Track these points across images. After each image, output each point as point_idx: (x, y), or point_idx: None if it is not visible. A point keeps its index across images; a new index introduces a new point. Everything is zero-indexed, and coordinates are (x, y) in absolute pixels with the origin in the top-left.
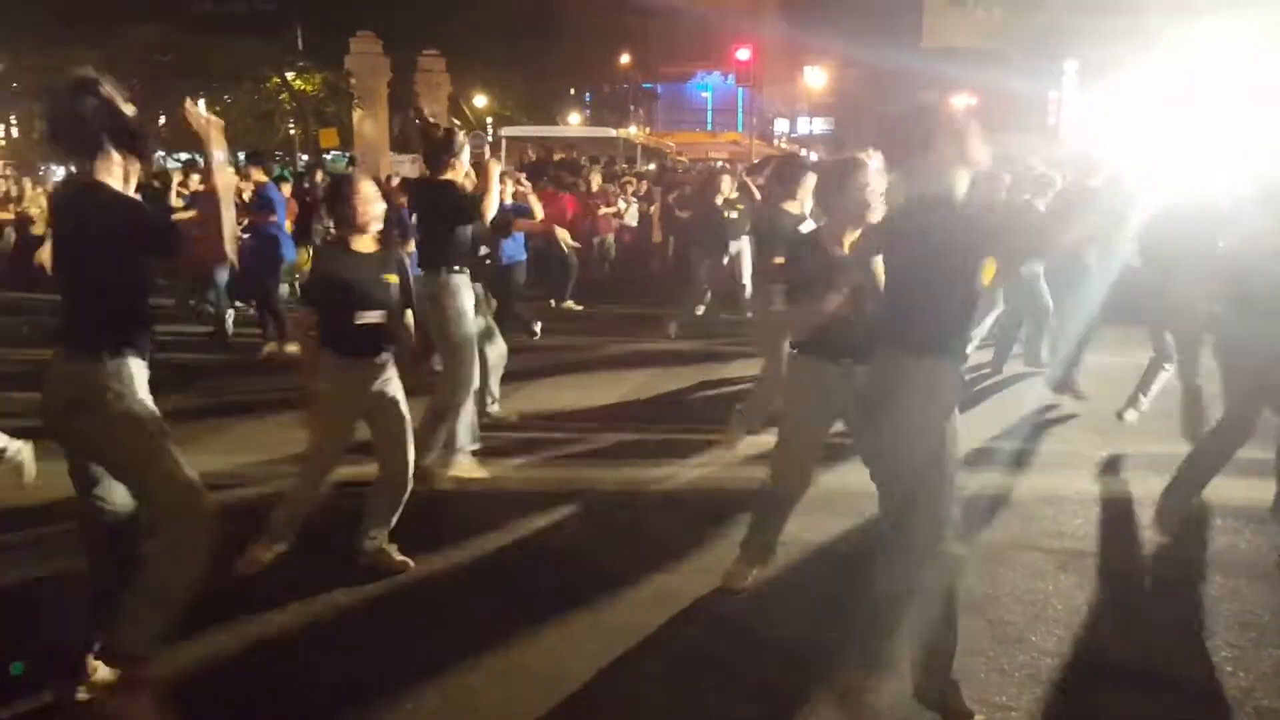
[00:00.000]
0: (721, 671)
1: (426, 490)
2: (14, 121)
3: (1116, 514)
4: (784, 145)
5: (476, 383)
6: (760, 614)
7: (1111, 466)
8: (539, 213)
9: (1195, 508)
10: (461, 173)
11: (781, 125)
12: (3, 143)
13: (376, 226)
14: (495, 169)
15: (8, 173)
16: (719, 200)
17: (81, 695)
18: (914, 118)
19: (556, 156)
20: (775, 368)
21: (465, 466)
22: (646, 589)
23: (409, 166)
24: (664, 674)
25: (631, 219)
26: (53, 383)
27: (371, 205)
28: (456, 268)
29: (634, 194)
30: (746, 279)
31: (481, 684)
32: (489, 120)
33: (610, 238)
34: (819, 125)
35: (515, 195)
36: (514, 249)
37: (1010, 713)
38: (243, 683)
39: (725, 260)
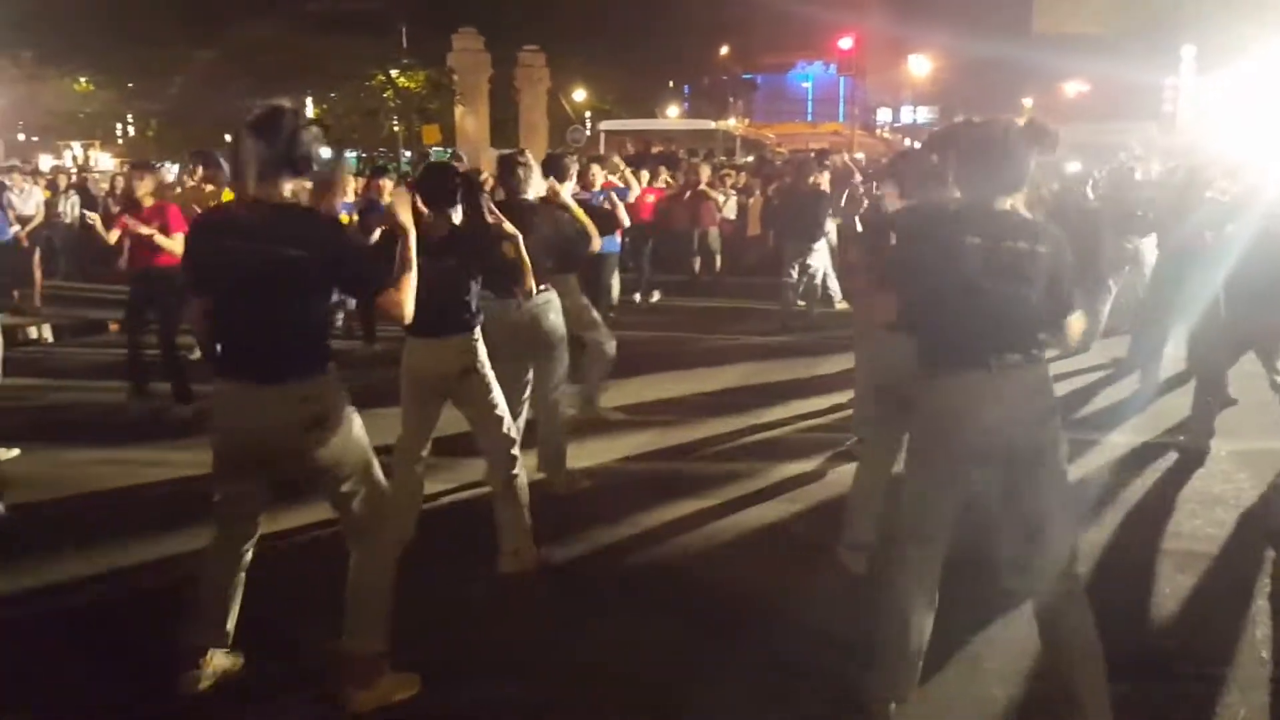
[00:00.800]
0: (799, 674)
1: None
2: (131, 120)
3: (1238, 514)
4: (886, 135)
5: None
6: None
7: (1232, 463)
8: (635, 188)
9: None
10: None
11: (884, 115)
12: (121, 141)
13: None
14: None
15: (125, 169)
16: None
17: (204, 684)
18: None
19: (655, 149)
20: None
21: None
22: (742, 586)
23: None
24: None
25: (730, 212)
26: (271, 410)
27: None
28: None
29: (733, 186)
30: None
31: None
32: (588, 114)
33: (714, 231)
34: (923, 114)
35: (603, 184)
36: (608, 242)
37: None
38: None
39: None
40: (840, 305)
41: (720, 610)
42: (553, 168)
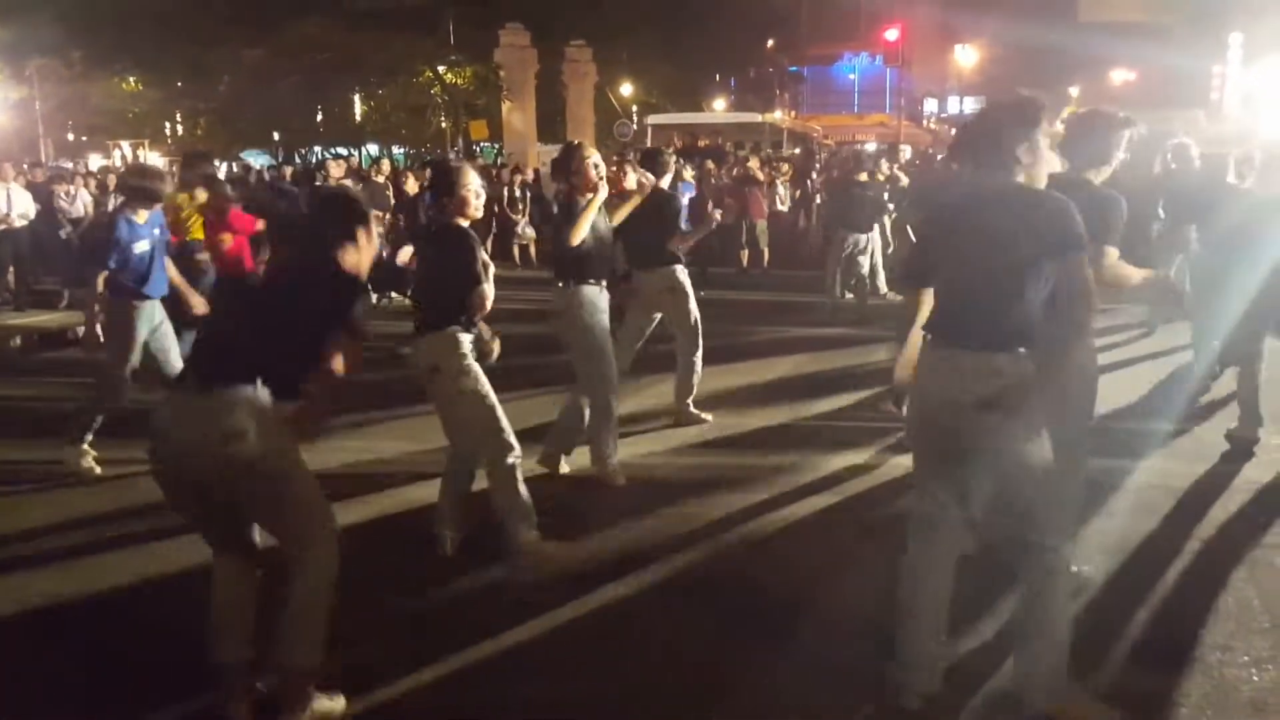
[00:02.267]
0: (845, 674)
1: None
2: (179, 118)
3: None
4: (933, 125)
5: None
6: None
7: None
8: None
9: None
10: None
11: (930, 105)
12: (170, 140)
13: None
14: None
15: (174, 168)
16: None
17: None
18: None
19: (702, 143)
20: None
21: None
22: (790, 582)
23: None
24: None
25: (783, 204)
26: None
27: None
28: (590, 280)
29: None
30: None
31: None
32: (634, 108)
33: (762, 223)
34: (969, 105)
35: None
36: None
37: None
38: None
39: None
40: (891, 296)
41: (769, 607)
42: (652, 163)
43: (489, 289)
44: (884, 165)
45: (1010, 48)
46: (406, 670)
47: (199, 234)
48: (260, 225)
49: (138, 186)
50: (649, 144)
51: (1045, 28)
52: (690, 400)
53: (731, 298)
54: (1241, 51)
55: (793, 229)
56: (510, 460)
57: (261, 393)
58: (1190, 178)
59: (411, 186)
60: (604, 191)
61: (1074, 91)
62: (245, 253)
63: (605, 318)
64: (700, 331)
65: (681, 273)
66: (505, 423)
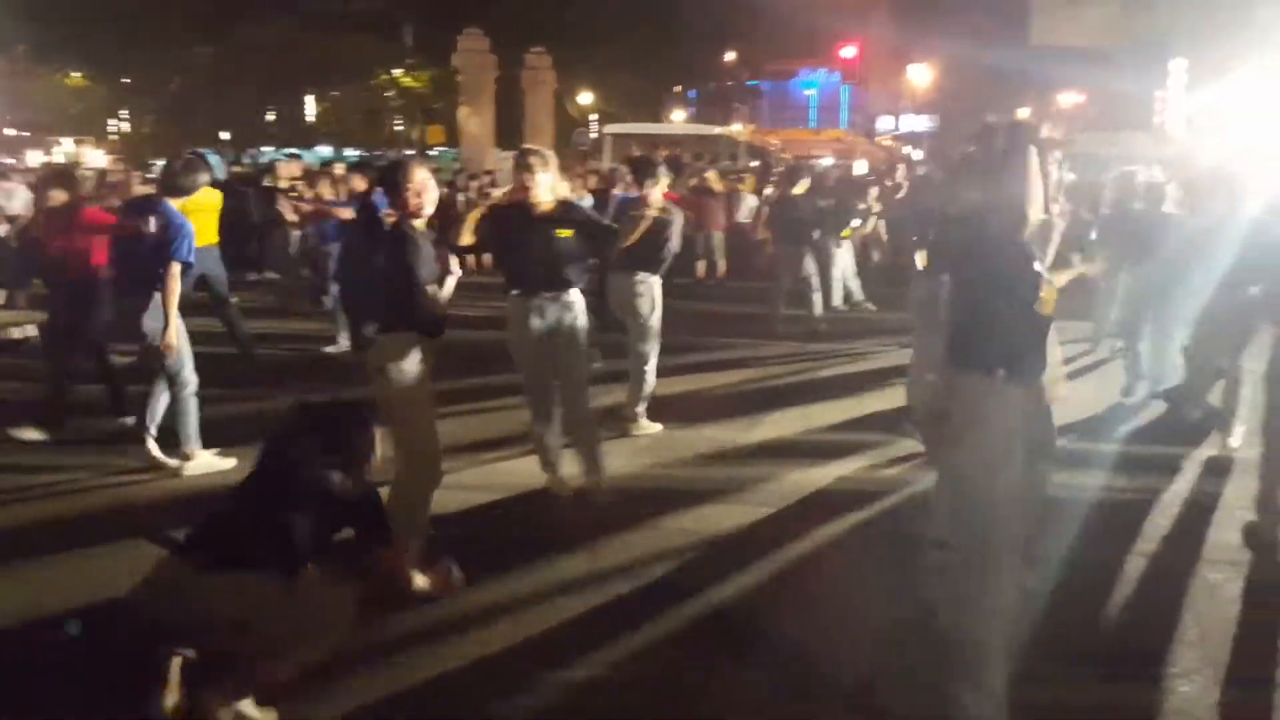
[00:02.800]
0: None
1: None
2: (125, 116)
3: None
4: (887, 142)
5: None
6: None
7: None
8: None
9: None
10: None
11: (885, 123)
12: (116, 137)
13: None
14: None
15: (119, 166)
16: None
17: None
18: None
19: (661, 153)
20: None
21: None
22: (747, 600)
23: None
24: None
25: (744, 216)
26: None
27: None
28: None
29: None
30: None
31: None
32: (594, 117)
33: (719, 235)
34: (923, 123)
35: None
36: None
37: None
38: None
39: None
40: (864, 304)
41: (731, 629)
42: (644, 171)
43: (441, 294)
44: (873, 193)
45: (963, 68)
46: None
47: None
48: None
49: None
50: (607, 154)
51: (998, 50)
52: (641, 409)
53: (683, 307)
54: (1186, 77)
55: (751, 239)
56: (428, 484)
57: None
58: (1129, 210)
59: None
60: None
61: (1024, 112)
62: (95, 252)
63: (531, 331)
64: (655, 342)
65: (645, 281)
66: (436, 444)
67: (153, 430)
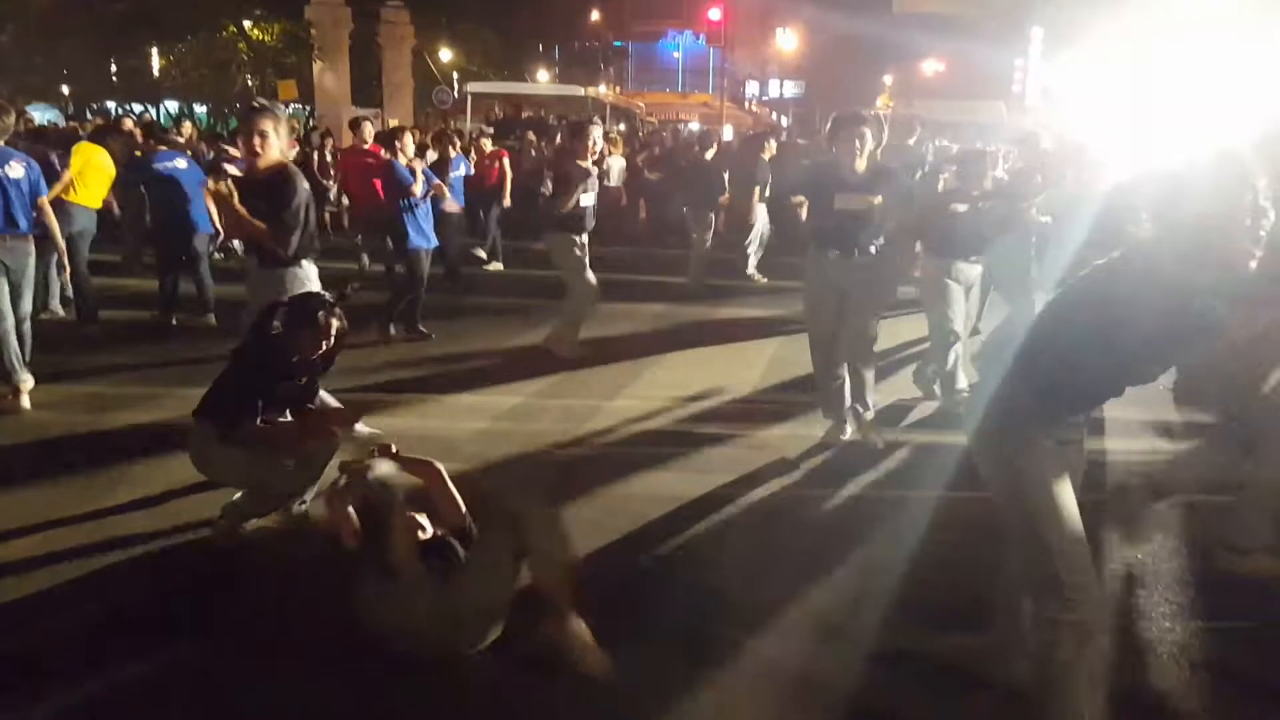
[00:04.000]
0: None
1: None
2: None
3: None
4: (754, 108)
5: None
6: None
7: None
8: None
9: None
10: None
11: (752, 88)
12: None
13: None
14: None
15: None
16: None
17: None
18: None
19: (524, 114)
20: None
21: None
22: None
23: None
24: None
25: (613, 180)
26: None
27: None
28: None
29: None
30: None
31: None
32: (455, 75)
33: None
34: (789, 89)
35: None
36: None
37: None
38: None
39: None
40: (757, 278)
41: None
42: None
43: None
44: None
45: (828, 35)
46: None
47: None
48: None
49: None
50: (469, 112)
51: (862, 17)
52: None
53: (537, 275)
54: (1042, 46)
55: (617, 206)
56: None
57: None
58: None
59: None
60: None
61: (888, 80)
62: None
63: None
64: (585, 296)
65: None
66: None
67: None
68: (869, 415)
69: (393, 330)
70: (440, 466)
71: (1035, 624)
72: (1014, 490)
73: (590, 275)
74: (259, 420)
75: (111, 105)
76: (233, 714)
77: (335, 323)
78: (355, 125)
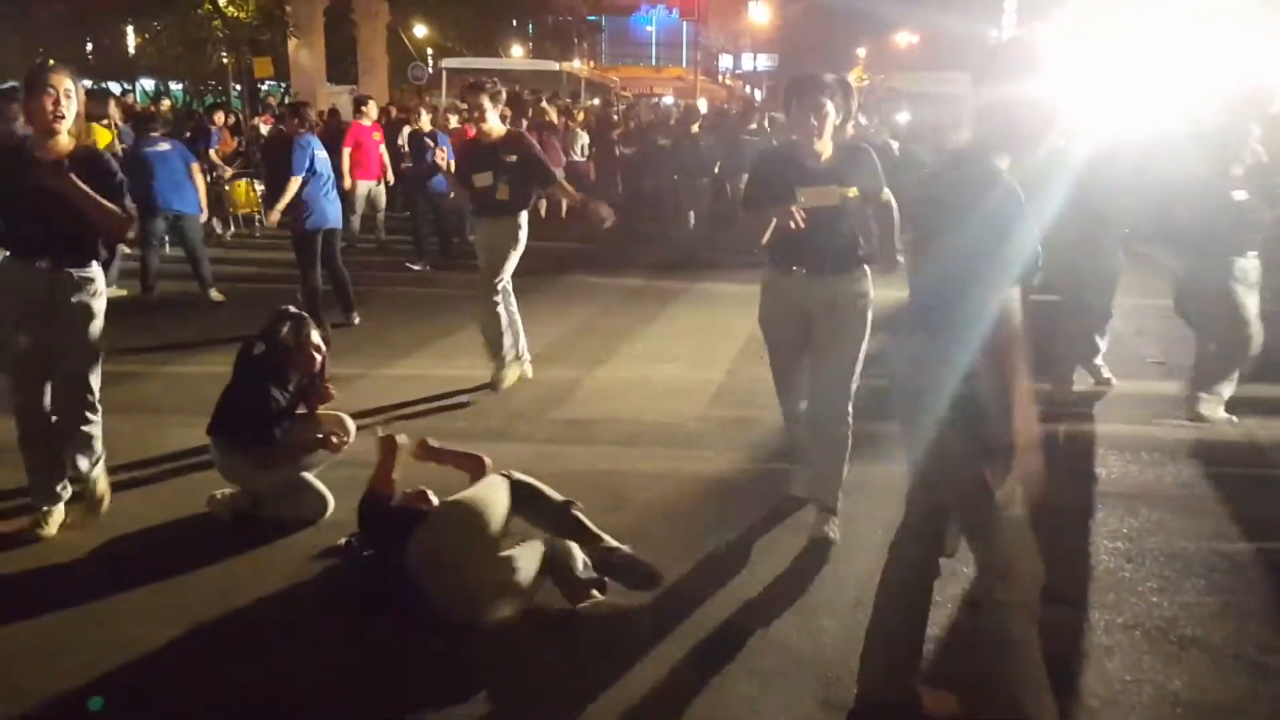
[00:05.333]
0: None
1: None
2: None
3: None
4: (728, 81)
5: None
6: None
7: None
8: None
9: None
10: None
11: (726, 61)
12: None
13: None
14: None
15: None
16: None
17: None
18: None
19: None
20: None
21: None
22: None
23: (345, 98)
24: None
25: (579, 154)
26: None
27: None
28: None
29: (582, 127)
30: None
31: None
32: (429, 51)
33: (560, 171)
34: (763, 62)
35: None
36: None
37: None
38: None
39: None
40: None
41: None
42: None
43: None
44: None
45: (801, 7)
46: None
47: None
48: None
49: None
50: (444, 88)
51: None
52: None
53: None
54: (1016, 16)
55: (586, 179)
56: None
57: None
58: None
59: None
60: None
61: (861, 52)
62: None
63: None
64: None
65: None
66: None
67: None
68: (830, 527)
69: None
70: (487, 460)
71: (987, 606)
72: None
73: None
74: (279, 432)
75: (88, 83)
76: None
77: (313, 332)
78: (361, 103)
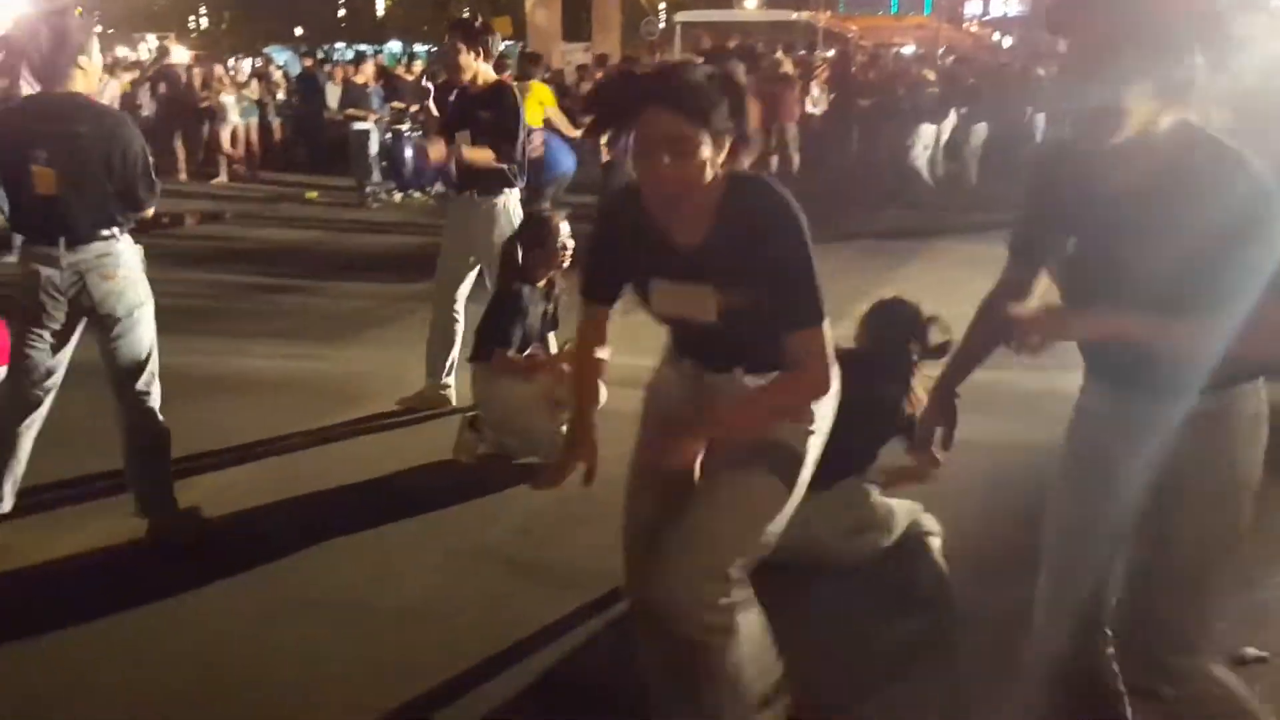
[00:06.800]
0: None
1: None
2: (204, 12)
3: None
4: (974, 29)
5: None
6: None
7: None
8: None
9: None
10: None
11: (973, 7)
12: (195, 34)
13: None
14: None
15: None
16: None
17: None
18: None
19: (731, 43)
20: None
21: None
22: None
23: (581, 55)
24: None
25: (818, 107)
26: None
27: None
28: None
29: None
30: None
31: None
32: (662, 5)
33: (793, 127)
34: (1013, 7)
35: None
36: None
37: None
38: None
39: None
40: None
41: None
42: None
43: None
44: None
45: None
46: None
47: None
48: None
49: None
50: (678, 44)
51: None
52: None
53: None
54: None
55: (823, 135)
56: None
57: None
58: None
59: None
60: None
61: None
62: None
63: None
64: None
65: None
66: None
67: None
68: None
69: None
70: None
71: None
72: None
73: None
74: (511, 352)
75: (340, 46)
76: None
77: (563, 224)
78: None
